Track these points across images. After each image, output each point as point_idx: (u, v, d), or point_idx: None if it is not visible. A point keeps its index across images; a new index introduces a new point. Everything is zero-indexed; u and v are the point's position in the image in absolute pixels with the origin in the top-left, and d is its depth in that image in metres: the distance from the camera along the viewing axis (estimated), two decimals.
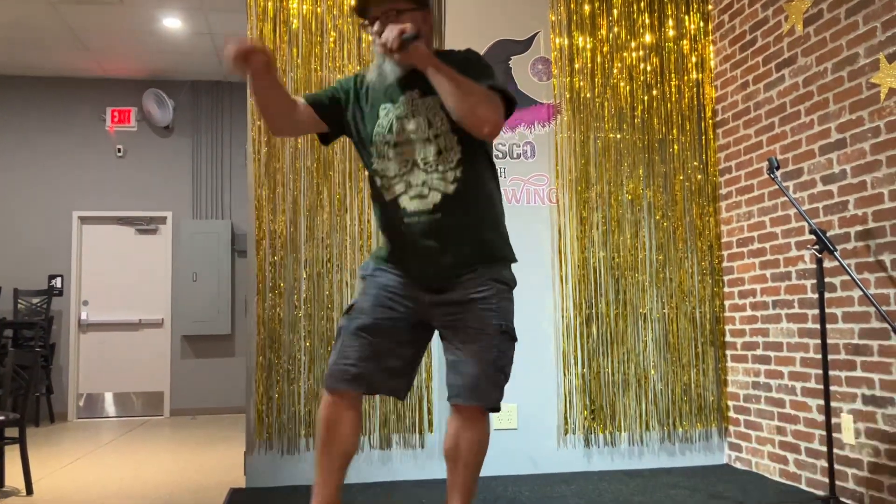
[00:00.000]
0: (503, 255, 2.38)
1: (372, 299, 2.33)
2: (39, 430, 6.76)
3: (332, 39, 4.24)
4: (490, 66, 2.34)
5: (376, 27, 2.24)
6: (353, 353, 2.28)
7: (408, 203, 2.29)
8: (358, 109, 2.40)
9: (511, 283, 2.37)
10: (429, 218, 2.27)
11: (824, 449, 3.56)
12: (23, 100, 7.80)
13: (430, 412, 4.13)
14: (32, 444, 4.83)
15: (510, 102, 2.26)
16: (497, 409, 2.32)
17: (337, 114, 2.41)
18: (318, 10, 4.25)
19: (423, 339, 2.41)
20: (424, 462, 4.10)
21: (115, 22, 6.46)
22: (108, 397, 7.83)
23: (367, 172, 2.45)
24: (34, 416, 7.00)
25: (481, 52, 4.31)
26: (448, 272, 2.29)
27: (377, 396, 4.04)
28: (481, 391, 2.27)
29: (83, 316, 7.80)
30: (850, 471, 3.44)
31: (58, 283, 7.69)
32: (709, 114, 4.55)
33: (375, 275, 2.37)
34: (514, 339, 2.33)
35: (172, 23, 6.53)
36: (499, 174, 2.48)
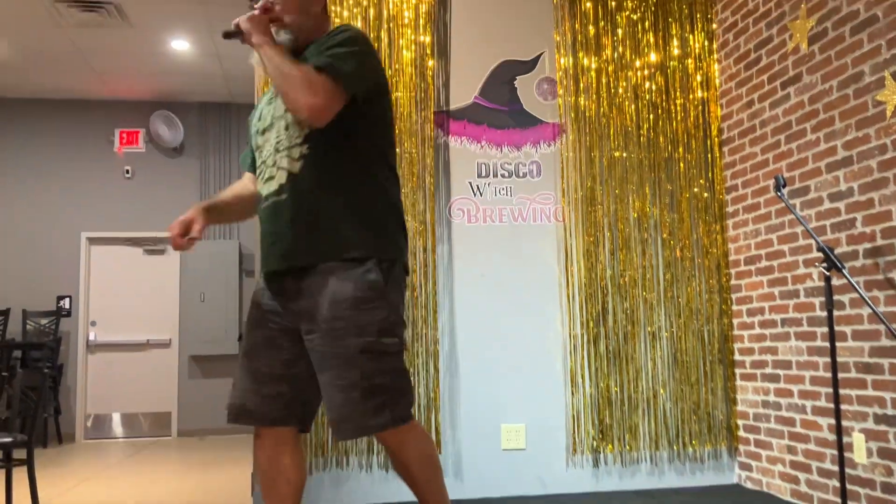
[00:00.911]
0: (359, 252, 2.02)
1: (249, 323, 2.16)
2: (47, 452, 6.75)
3: None
4: (347, 39, 2.08)
5: (260, 3, 2.14)
6: (237, 383, 2.12)
7: (262, 187, 2.14)
8: (251, 126, 2.33)
9: (376, 286, 2.01)
10: (274, 200, 2.08)
11: (836, 469, 3.53)
12: (32, 122, 7.86)
13: (437, 431, 4.10)
14: (40, 465, 4.82)
15: (343, 80, 1.99)
16: (393, 426, 2.01)
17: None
18: None
19: (304, 358, 2.09)
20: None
21: (123, 44, 6.52)
22: (116, 418, 7.82)
23: None
24: (42, 437, 6.99)
25: (487, 72, 4.38)
26: (288, 262, 2.05)
27: None
28: (356, 423, 1.98)
29: (91, 336, 7.82)
30: (863, 491, 3.40)
31: (66, 303, 7.71)
32: (714, 132, 4.56)
33: (254, 295, 2.21)
34: (385, 351, 2.00)
35: (180, 45, 6.59)
36: (389, 140, 2.20)
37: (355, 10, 4.29)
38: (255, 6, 2.13)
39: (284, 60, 2.00)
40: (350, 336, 1.97)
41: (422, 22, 4.32)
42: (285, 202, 2.05)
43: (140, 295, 7.95)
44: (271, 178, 2.09)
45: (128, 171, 7.94)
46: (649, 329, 4.35)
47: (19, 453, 4.12)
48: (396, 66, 4.29)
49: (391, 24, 4.32)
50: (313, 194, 2.04)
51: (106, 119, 7.97)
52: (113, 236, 7.92)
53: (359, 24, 4.27)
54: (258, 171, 2.19)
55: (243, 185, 2.37)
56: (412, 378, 4.08)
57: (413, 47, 4.31)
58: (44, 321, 7.47)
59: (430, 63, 4.32)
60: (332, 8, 4.29)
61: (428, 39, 4.33)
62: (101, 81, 7.44)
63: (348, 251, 2.02)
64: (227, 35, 2.12)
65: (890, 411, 3.26)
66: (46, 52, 6.63)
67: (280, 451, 2.12)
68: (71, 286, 7.77)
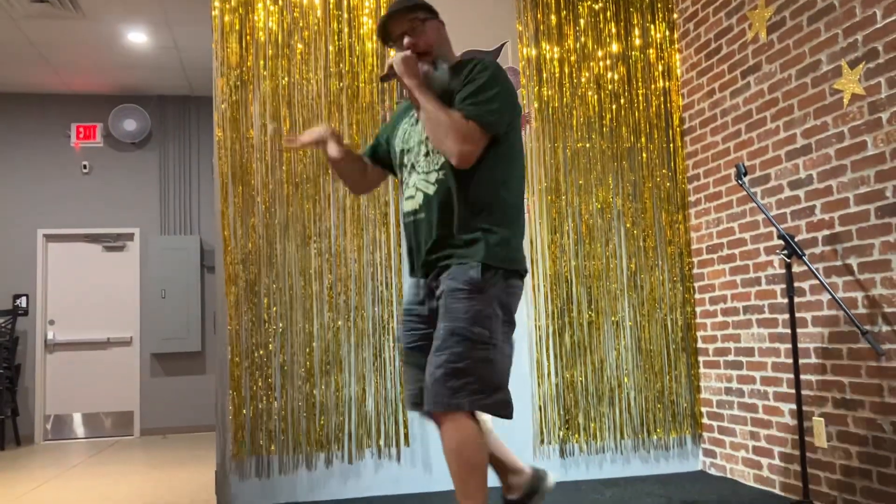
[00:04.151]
0: (473, 253, 2.29)
1: (402, 326, 2.51)
2: (5, 454, 6.60)
3: (298, 52, 4.21)
4: (488, 80, 2.31)
5: (405, 41, 2.40)
6: (406, 380, 2.48)
7: (405, 204, 2.45)
8: (392, 135, 2.59)
9: (474, 282, 2.25)
10: (414, 218, 2.39)
11: (797, 453, 3.57)
12: None
13: (405, 425, 4.08)
14: None
15: (488, 127, 2.29)
16: (463, 409, 2.21)
17: (386, 155, 2.63)
18: (284, 22, 4.22)
19: None
20: (400, 475, 4.06)
21: (79, 37, 6.38)
22: (77, 418, 7.68)
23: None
24: None
25: None
26: (425, 267, 2.39)
27: (350, 406, 4.01)
28: (434, 395, 2.22)
29: (49, 335, 7.66)
30: (823, 474, 3.46)
31: (23, 302, 7.54)
32: (676, 122, 4.58)
33: (406, 298, 2.56)
34: (472, 339, 2.21)
35: (137, 37, 6.46)
36: (518, 163, 2.47)
37: (315, 1, 4.23)
38: (406, 44, 2.39)
39: (436, 106, 2.28)
40: (443, 321, 2.26)
41: (382, 11, 4.28)
42: (424, 220, 2.37)
43: (99, 292, 7.80)
44: (411, 197, 2.41)
45: (85, 167, 7.78)
46: (613, 319, 4.37)
47: None
48: (358, 56, 4.24)
49: (351, 15, 4.27)
50: (441, 216, 2.33)
51: (62, 113, 7.79)
52: (71, 233, 7.76)
53: (319, 13, 4.22)
54: (402, 189, 2.50)
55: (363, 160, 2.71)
56: (380, 372, 4.06)
57: (374, 37, 4.26)
58: None
59: (392, 53, 4.28)
60: None
61: None
62: (56, 75, 7.27)
63: (460, 253, 2.32)
64: (384, 78, 2.43)
65: (849, 395, 3.31)
66: None
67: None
68: (28, 284, 7.59)
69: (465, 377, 2.20)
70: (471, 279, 2.26)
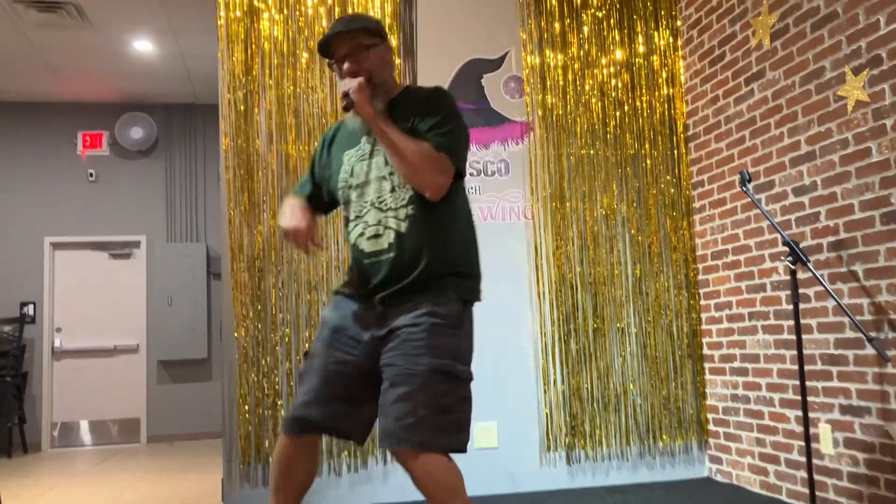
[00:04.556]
0: (447, 288, 2.22)
1: (325, 342, 2.28)
2: (12, 462, 6.62)
3: (304, 60, 4.24)
4: (449, 112, 2.26)
5: (345, 66, 2.25)
6: (305, 397, 2.24)
7: (365, 244, 2.26)
8: (327, 165, 2.43)
9: (453, 317, 2.20)
10: (379, 259, 2.23)
11: (804, 460, 3.57)
12: None
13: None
14: (4, 475, 4.73)
15: (456, 159, 2.23)
16: (443, 449, 2.11)
17: (322, 198, 2.46)
18: (290, 31, 4.24)
19: (376, 383, 2.22)
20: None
21: (85, 46, 6.41)
22: (84, 425, 7.69)
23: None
24: (6, 446, 6.85)
25: (454, 71, 4.37)
26: (389, 302, 2.21)
27: None
28: (402, 434, 2.08)
29: (56, 343, 7.68)
30: (830, 481, 3.45)
31: (30, 310, 7.56)
32: (680, 128, 4.59)
33: (329, 316, 2.34)
34: (457, 377, 2.15)
35: (143, 46, 6.49)
36: (469, 199, 2.40)
37: (321, 10, 4.26)
38: (346, 69, 2.24)
39: (402, 136, 2.15)
40: (426, 356, 2.12)
41: (387, 21, 4.30)
42: (388, 261, 2.21)
43: (106, 300, 7.82)
44: (377, 235, 2.24)
45: (91, 175, 7.81)
46: (619, 325, 4.37)
47: None
48: None
49: None
50: (415, 253, 2.20)
51: (68, 122, 7.82)
52: (77, 241, 7.78)
53: (324, 22, 4.24)
54: (352, 225, 2.31)
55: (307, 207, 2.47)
56: None
57: None
58: (7, 328, 7.32)
59: (397, 62, 4.30)
60: (298, 8, 4.26)
61: (394, 38, 4.31)
62: (62, 84, 7.30)
63: (437, 287, 2.21)
64: (348, 108, 2.19)
65: (855, 402, 3.30)
66: (5, 53, 6.49)
67: (310, 454, 2.28)
68: (35, 292, 7.62)
69: (451, 415, 2.13)
70: (451, 314, 2.20)
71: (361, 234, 2.27)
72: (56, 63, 6.79)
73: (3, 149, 7.71)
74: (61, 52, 6.54)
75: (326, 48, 2.30)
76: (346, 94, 2.17)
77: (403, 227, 2.21)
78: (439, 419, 2.10)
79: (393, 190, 2.24)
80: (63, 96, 7.66)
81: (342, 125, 2.45)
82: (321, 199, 2.47)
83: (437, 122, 2.21)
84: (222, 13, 4.18)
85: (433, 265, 2.21)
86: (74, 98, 7.72)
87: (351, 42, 2.26)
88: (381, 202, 2.25)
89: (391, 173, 2.23)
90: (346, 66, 2.25)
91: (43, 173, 7.74)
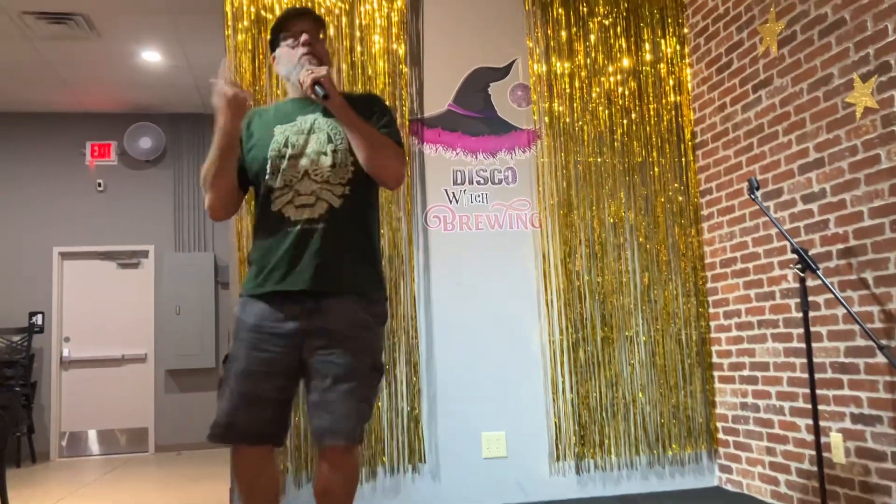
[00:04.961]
0: (375, 290, 2.31)
1: (245, 344, 2.23)
2: (21, 471, 6.63)
3: None
4: (391, 115, 2.38)
5: (303, 38, 2.32)
6: (228, 404, 2.21)
7: (293, 212, 2.24)
8: (248, 139, 2.39)
9: (382, 317, 2.33)
10: (306, 227, 2.21)
11: (815, 469, 3.54)
12: (1, 136, 7.74)
13: (419, 440, 4.07)
14: (13, 485, 4.73)
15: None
16: (361, 442, 2.23)
17: (242, 169, 2.38)
18: None
19: (296, 380, 2.27)
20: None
21: (93, 56, 6.45)
22: (92, 435, 7.71)
23: (260, 200, 2.36)
24: (15, 456, 6.87)
25: (460, 79, 4.38)
26: (321, 281, 2.19)
27: None
28: (350, 429, 2.15)
29: (65, 353, 7.70)
30: (842, 491, 3.42)
31: (38, 319, 7.59)
32: (688, 136, 4.58)
33: (245, 316, 2.27)
34: (382, 372, 2.29)
35: (151, 56, 6.52)
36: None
37: (327, 19, 4.27)
38: (302, 42, 2.32)
39: (372, 129, 2.23)
40: (366, 356, 2.21)
41: (394, 30, 4.31)
42: (320, 231, 2.21)
43: (114, 309, 7.84)
44: (308, 205, 2.22)
45: (100, 185, 7.85)
46: (627, 334, 4.35)
47: None
48: (370, 75, 4.27)
49: (363, 33, 4.30)
50: (347, 232, 2.24)
51: (77, 132, 7.87)
52: (86, 250, 7.81)
53: (331, 32, 4.25)
54: (278, 193, 2.27)
55: None
56: (393, 387, 4.06)
57: (386, 56, 4.29)
58: (16, 338, 7.34)
59: (404, 71, 4.31)
60: None
61: (401, 47, 4.32)
62: (71, 94, 7.35)
63: (368, 288, 2.28)
64: (325, 97, 2.18)
65: (866, 410, 3.28)
66: (15, 64, 6.53)
67: (262, 465, 2.25)
68: (43, 302, 7.64)
69: (371, 407, 2.25)
70: (384, 312, 2.34)
71: (290, 202, 2.24)
72: (65, 74, 6.83)
73: (12, 159, 7.75)
74: (70, 63, 6.58)
75: (287, 21, 2.38)
76: (319, 82, 2.17)
77: (337, 203, 2.23)
78: (365, 413, 2.21)
79: (333, 166, 2.25)
80: (72, 107, 7.70)
81: (266, 109, 2.48)
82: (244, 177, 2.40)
83: (387, 122, 2.32)
84: (229, 23, 4.19)
85: (365, 252, 2.28)
86: (83, 108, 7.77)
87: (313, 27, 2.37)
88: (316, 174, 2.25)
89: (334, 151, 2.26)
90: (303, 37, 2.32)
91: (52, 183, 7.78)
